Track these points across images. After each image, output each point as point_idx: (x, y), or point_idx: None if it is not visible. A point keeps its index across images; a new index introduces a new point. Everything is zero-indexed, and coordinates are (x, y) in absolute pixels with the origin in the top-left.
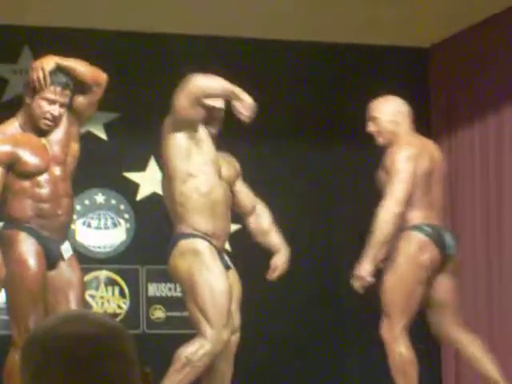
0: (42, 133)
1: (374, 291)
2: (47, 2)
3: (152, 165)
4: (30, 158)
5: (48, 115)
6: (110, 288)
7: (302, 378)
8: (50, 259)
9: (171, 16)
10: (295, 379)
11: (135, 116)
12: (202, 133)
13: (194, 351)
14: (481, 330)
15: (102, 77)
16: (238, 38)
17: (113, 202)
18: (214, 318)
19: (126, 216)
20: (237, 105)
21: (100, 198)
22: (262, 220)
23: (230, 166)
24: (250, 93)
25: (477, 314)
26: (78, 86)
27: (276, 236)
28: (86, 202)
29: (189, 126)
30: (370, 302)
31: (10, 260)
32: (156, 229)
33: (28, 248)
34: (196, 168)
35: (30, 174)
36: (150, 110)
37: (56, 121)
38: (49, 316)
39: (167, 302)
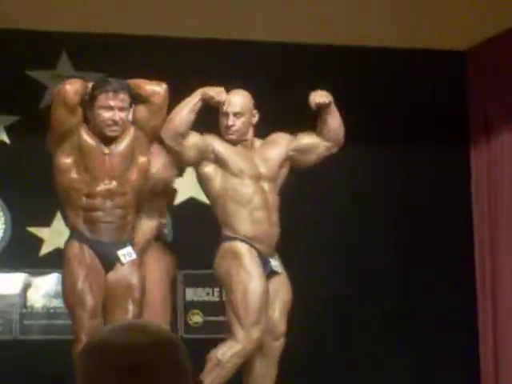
0: (110, 140)
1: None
2: (85, 9)
3: (190, 170)
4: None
5: (109, 122)
6: None
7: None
8: (105, 262)
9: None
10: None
11: None
12: (221, 149)
13: (224, 352)
14: None
15: (158, 87)
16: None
17: None
18: (245, 318)
19: (164, 221)
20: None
21: None
22: None
23: (269, 160)
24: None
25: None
26: (138, 98)
27: None
28: None
29: (202, 158)
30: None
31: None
32: (193, 233)
33: (76, 253)
34: (229, 182)
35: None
36: None
37: (119, 125)
38: (106, 319)
39: (205, 307)
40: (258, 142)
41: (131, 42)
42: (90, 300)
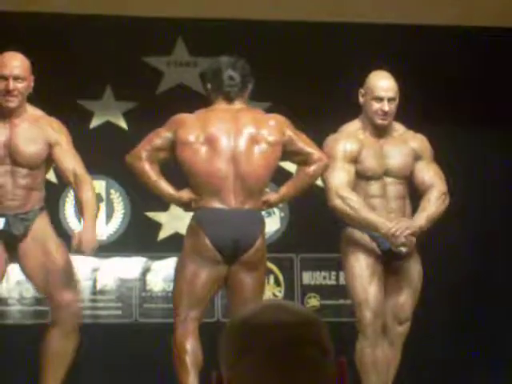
0: None
1: None
2: None
3: None
4: None
5: None
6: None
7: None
8: None
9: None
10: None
11: (286, 104)
12: (361, 154)
13: None
14: None
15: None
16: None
17: (267, 190)
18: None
19: (280, 205)
20: None
21: None
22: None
23: (388, 157)
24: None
25: None
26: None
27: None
28: None
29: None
30: None
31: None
32: (310, 217)
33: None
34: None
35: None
36: (297, 99)
37: None
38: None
39: (322, 291)
40: (399, 127)
41: (247, 27)
42: None
